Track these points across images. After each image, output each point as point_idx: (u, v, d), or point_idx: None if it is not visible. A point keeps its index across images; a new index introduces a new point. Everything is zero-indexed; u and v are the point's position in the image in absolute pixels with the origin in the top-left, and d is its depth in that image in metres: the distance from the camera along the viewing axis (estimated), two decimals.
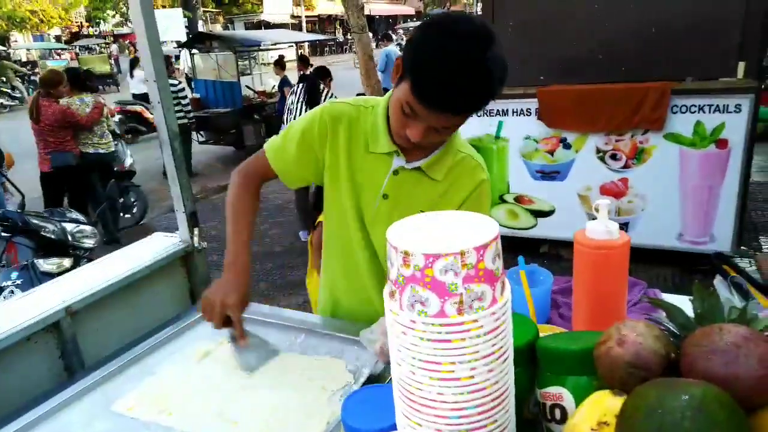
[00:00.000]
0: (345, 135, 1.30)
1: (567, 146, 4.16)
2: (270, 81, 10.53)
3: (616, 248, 0.93)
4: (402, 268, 0.58)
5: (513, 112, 4.25)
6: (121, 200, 5.86)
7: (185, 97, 8.04)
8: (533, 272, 1.20)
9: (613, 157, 4.03)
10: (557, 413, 0.70)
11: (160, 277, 1.75)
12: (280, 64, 8.56)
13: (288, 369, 1.30)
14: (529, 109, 4.17)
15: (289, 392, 1.21)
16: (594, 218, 0.96)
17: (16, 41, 30.47)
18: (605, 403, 0.59)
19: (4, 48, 24.05)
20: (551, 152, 4.22)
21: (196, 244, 1.81)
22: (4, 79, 18.32)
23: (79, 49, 26.00)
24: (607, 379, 0.64)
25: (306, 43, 15.70)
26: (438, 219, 0.65)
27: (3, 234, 2.80)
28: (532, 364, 0.75)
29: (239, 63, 9.46)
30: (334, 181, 1.33)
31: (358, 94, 5.59)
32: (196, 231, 1.81)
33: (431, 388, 0.60)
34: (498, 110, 4.26)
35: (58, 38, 33.50)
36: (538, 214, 4.39)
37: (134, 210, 5.95)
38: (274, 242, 5.37)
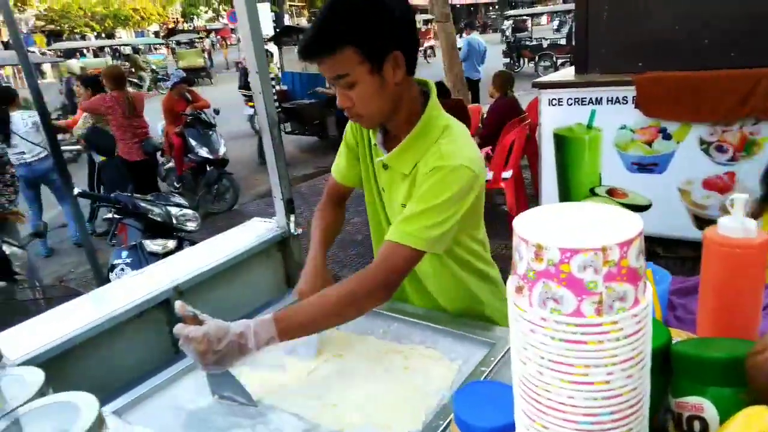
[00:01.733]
0: (365, 130, 1.40)
1: (667, 137, 3.88)
2: None
3: (754, 248, 0.84)
4: (533, 263, 0.54)
5: (607, 100, 4.02)
6: (215, 187, 6.17)
7: (274, 87, 8.31)
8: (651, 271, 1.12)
9: (719, 149, 3.72)
10: (696, 425, 0.64)
11: (259, 261, 1.81)
12: None
13: (383, 357, 1.31)
14: (626, 97, 3.93)
15: (385, 380, 1.22)
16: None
17: (120, 37, 32.86)
18: (764, 421, 0.53)
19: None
20: (649, 143, 3.96)
21: (292, 230, 1.85)
22: (133, 69, 20.11)
23: (176, 44, 27.56)
24: (764, 393, 0.58)
25: None
26: (570, 210, 0.61)
27: (116, 216, 3.03)
28: (665, 370, 0.69)
29: None
30: (364, 175, 1.45)
31: (437, 83, 5.50)
32: (292, 217, 1.86)
33: (561, 390, 0.56)
34: (591, 98, 4.05)
35: (156, 34, 35.74)
36: (633, 208, 4.14)
37: (227, 196, 6.25)
38: (356, 230, 5.44)
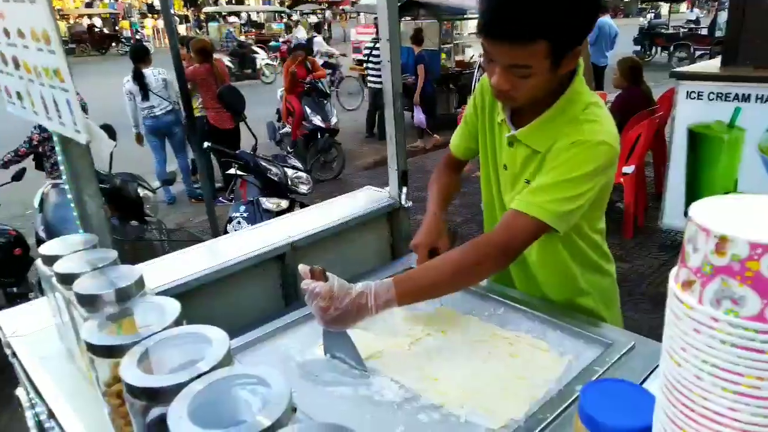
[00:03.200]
0: (488, 105, 1.36)
1: None
2: (469, 51, 10.42)
3: None
4: (712, 256, 0.48)
5: (756, 98, 3.61)
6: (325, 154, 6.36)
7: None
8: None
9: None
10: None
11: (368, 228, 1.83)
12: (416, 38, 7.67)
13: (487, 339, 1.27)
14: None
15: (489, 363, 1.18)
16: None
17: (249, 4, 34.54)
18: None
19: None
20: None
21: (403, 202, 1.85)
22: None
23: (300, 15, 28.49)
24: None
25: None
26: (761, 202, 0.53)
27: (238, 172, 3.22)
28: None
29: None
30: (481, 151, 1.42)
31: None
32: (404, 189, 1.85)
33: (722, 400, 0.50)
34: (737, 94, 3.65)
35: (281, 2, 37.10)
36: None
37: (334, 165, 6.43)
38: (455, 211, 5.39)
